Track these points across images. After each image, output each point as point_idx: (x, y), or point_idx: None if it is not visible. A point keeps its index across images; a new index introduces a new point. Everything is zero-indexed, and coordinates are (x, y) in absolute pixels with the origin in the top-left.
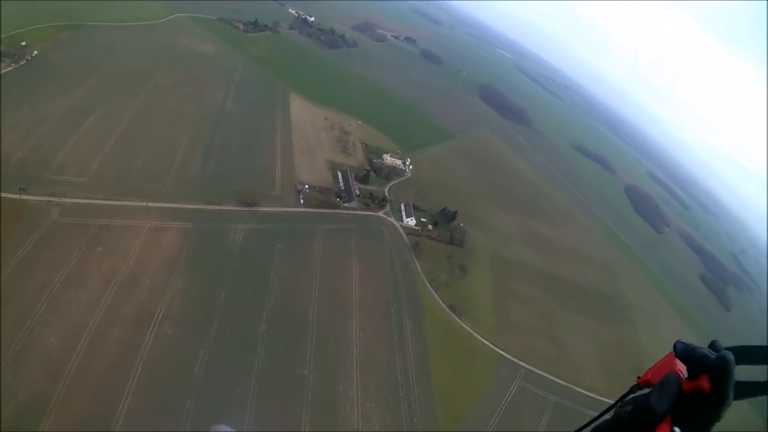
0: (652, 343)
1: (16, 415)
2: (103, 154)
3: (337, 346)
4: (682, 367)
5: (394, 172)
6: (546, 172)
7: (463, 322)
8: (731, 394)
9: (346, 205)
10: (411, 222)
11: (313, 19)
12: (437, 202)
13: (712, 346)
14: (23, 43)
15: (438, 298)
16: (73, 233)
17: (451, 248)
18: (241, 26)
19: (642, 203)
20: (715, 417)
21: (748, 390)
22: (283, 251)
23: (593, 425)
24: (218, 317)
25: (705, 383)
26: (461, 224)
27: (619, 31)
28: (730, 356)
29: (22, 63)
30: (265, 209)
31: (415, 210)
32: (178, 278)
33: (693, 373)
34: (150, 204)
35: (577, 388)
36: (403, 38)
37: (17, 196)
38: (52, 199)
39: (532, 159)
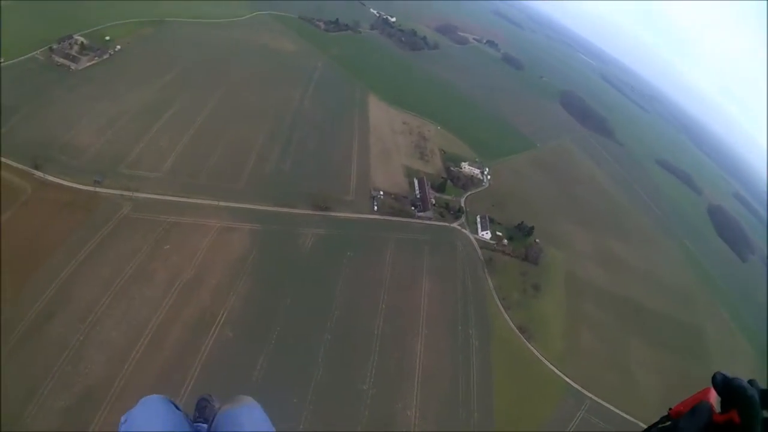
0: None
1: (70, 406)
2: (178, 150)
3: (399, 363)
4: (716, 401)
5: (471, 181)
6: (627, 187)
7: (532, 345)
8: (759, 431)
9: (421, 214)
10: (486, 235)
11: (394, 19)
12: (514, 215)
13: (751, 382)
14: (107, 38)
15: (508, 318)
16: (142, 228)
17: (525, 265)
18: (322, 25)
19: (726, 226)
20: None
21: None
22: (352, 259)
23: None
24: (281, 324)
25: (736, 416)
26: (537, 240)
27: (711, 36)
28: (755, 393)
29: (105, 57)
30: (338, 214)
31: (491, 223)
32: (243, 281)
33: (727, 406)
34: (221, 203)
35: (642, 424)
36: (484, 41)
37: (92, 188)
38: (125, 193)
39: (612, 172)
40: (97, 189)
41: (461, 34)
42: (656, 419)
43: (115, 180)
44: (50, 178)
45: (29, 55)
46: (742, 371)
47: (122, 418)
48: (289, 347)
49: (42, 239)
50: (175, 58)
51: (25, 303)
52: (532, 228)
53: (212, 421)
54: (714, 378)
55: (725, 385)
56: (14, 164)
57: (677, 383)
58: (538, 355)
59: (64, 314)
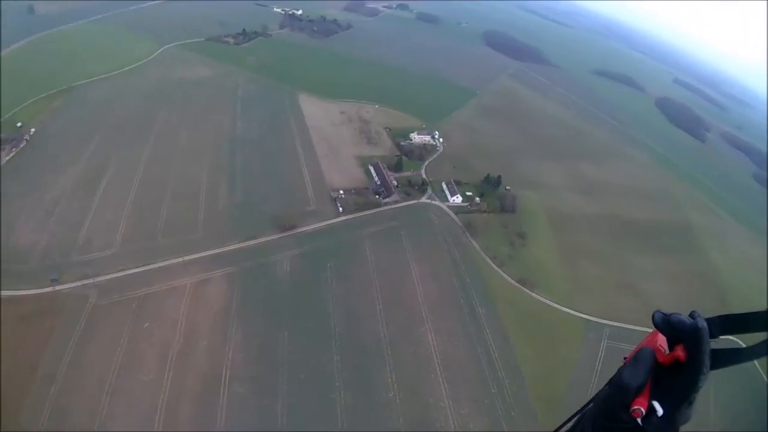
0: (727, 265)
1: None
2: (125, 218)
3: (416, 358)
4: (663, 342)
5: (425, 150)
6: (576, 108)
7: (537, 294)
8: (707, 362)
9: (387, 200)
10: (457, 200)
11: (300, 12)
12: (478, 171)
13: (691, 315)
14: (18, 124)
15: (504, 274)
16: (116, 313)
17: (504, 217)
18: (231, 40)
19: (677, 114)
20: (693, 387)
21: (728, 358)
22: (334, 269)
23: (582, 411)
24: (287, 361)
25: (680, 352)
26: (508, 188)
27: None
28: (703, 323)
29: (22, 146)
30: (305, 229)
31: (458, 185)
32: (234, 330)
33: (672, 344)
34: (186, 258)
35: None
36: (395, 6)
37: (51, 289)
38: (86, 281)
39: (559, 98)
40: (56, 288)
41: (370, 6)
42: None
43: (72, 272)
44: (6, 293)
45: None
46: (737, 248)
47: None
48: (303, 382)
49: (20, 358)
50: (94, 122)
51: (26, 423)
52: (500, 177)
53: None
54: (653, 318)
55: (665, 323)
56: None
57: (685, 283)
58: (547, 302)
59: (69, 426)
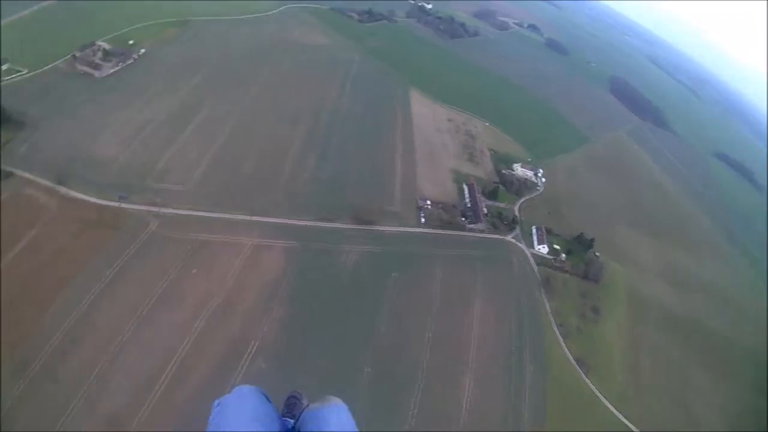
0: None
1: None
2: (207, 160)
3: (445, 400)
4: None
5: (525, 185)
6: (688, 187)
7: (590, 380)
8: None
9: (472, 226)
10: (543, 250)
11: (430, 6)
12: (572, 224)
13: None
14: (131, 42)
15: (565, 347)
16: (170, 248)
17: (585, 284)
18: (356, 16)
19: None
20: None
21: None
22: (398, 280)
23: None
24: (318, 354)
25: None
26: (597, 254)
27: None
28: None
29: (129, 62)
30: (382, 228)
31: (548, 234)
32: (278, 305)
33: None
34: (254, 218)
35: None
36: (526, 26)
37: (117, 204)
38: (152, 209)
39: (672, 169)
40: (123, 205)
41: (501, 18)
42: None
43: (141, 195)
44: (75, 194)
45: (52, 65)
46: None
47: (215, 402)
48: (326, 381)
49: (66, 260)
50: (202, 59)
51: (48, 327)
52: (592, 241)
53: (299, 417)
54: None
55: None
56: (38, 180)
57: (739, 419)
58: (596, 392)
59: (88, 340)
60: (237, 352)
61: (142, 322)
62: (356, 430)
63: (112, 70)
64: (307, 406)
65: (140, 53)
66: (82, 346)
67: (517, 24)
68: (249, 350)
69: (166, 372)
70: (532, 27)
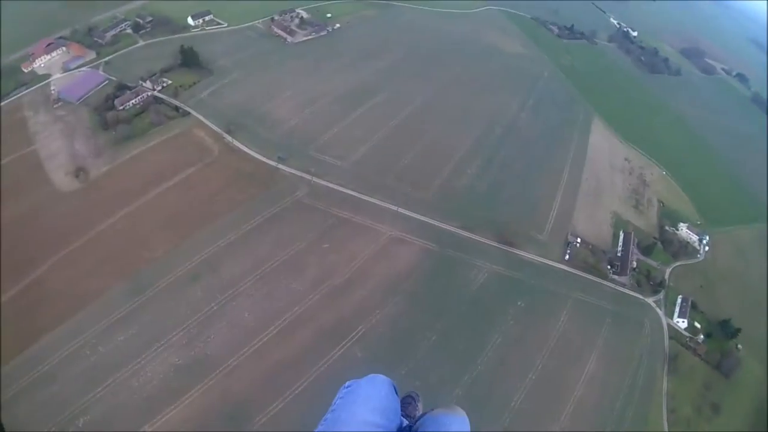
0: None
1: (181, 366)
2: (371, 143)
3: None
4: None
5: (684, 249)
6: None
7: None
8: None
9: (616, 277)
10: (682, 324)
11: (635, 34)
12: (722, 306)
13: None
14: (328, 15)
15: None
16: (312, 217)
17: (714, 375)
18: (556, 29)
19: None
20: None
21: None
22: (521, 310)
23: None
24: (415, 361)
25: None
26: (740, 346)
27: None
28: None
29: (322, 33)
30: (523, 254)
31: (692, 309)
32: (394, 301)
33: None
34: (400, 210)
35: None
36: (734, 74)
37: (275, 164)
38: (305, 175)
39: None
40: (280, 166)
41: (708, 61)
42: None
43: (299, 160)
44: (238, 144)
45: (250, 23)
46: None
47: (347, 383)
48: (414, 389)
49: (211, 204)
50: (393, 44)
51: (177, 260)
52: (739, 330)
53: (419, 419)
54: None
55: None
56: (210, 125)
57: None
58: None
59: (208, 279)
60: (340, 334)
61: (262, 279)
62: None
63: (303, 38)
64: (430, 410)
65: (335, 27)
66: (200, 284)
67: (724, 70)
68: (352, 336)
69: (267, 331)
70: (741, 76)
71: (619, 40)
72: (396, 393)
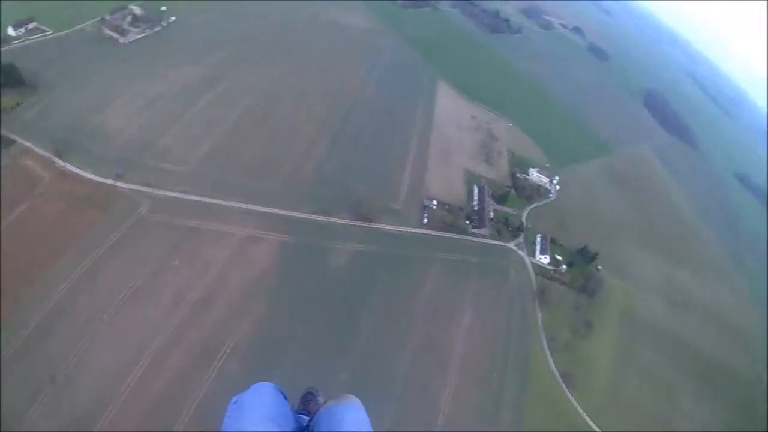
0: None
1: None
2: (213, 139)
3: (419, 413)
4: None
5: (537, 192)
6: (702, 207)
7: (573, 396)
8: None
9: (476, 230)
10: (544, 260)
11: None
12: (578, 236)
13: None
14: (163, 8)
15: (552, 362)
16: (158, 233)
17: (581, 298)
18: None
19: None
20: None
21: None
22: (388, 283)
23: None
24: (294, 359)
25: None
26: (599, 268)
27: None
28: None
29: (156, 29)
30: (381, 227)
31: (552, 244)
32: (259, 303)
33: None
34: (248, 206)
35: None
36: (571, 27)
37: (112, 182)
38: (145, 189)
39: (690, 188)
40: (117, 183)
41: (547, 18)
42: None
43: (138, 173)
44: (71, 168)
45: (79, 26)
46: None
47: (233, 399)
48: (299, 388)
49: (52, 240)
50: (232, 31)
51: (27, 309)
52: (596, 255)
53: (315, 414)
54: None
55: None
56: (37, 150)
57: None
58: (578, 407)
59: (63, 326)
60: (211, 352)
61: (117, 313)
62: (372, 430)
63: (137, 37)
64: (324, 403)
65: (170, 20)
66: (57, 332)
67: (562, 25)
68: (224, 350)
69: (135, 372)
70: (577, 29)
71: (462, 5)
72: (284, 396)
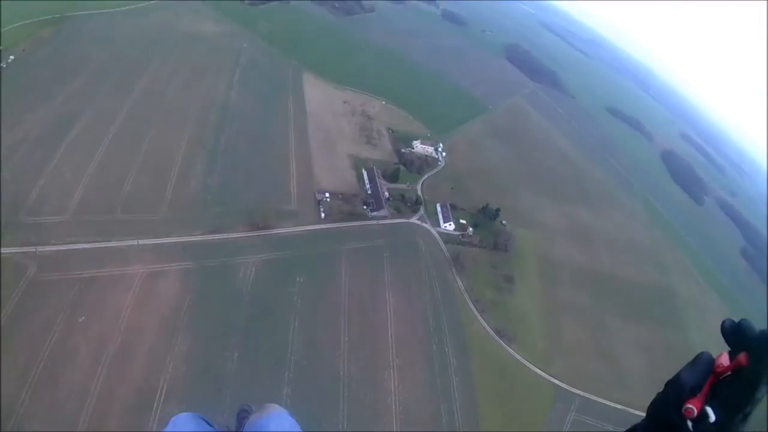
0: (702, 344)
1: None
2: (85, 181)
3: (373, 406)
4: (725, 360)
5: (426, 163)
6: (585, 144)
7: (514, 349)
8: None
9: (375, 213)
10: (449, 227)
11: None
12: (476, 197)
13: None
14: None
15: (484, 322)
16: (54, 293)
17: (495, 255)
18: None
19: (680, 171)
20: (750, 397)
21: None
22: (303, 285)
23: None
24: (232, 385)
25: (743, 359)
26: (504, 222)
27: None
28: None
29: None
30: (280, 231)
31: (453, 210)
32: (181, 339)
33: (736, 352)
34: (142, 241)
35: (634, 411)
36: None
37: None
38: (28, 249)
39: (569, 129)
40: None
41: None
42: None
43: (15, 233)
44: None
45: None
46: (714, 326)
47: None
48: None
49: None
50: (80, 60)
51: None
52: (498, 210)
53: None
54: (723, 325)
55: (733, 329)
56: None
57: (660, 358)
58: (521, 359)
59: None
60: (146, 402)
61: (35, 388)
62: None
63: None
64: (245, 421)
65: (9, 60)
66: None
67: None
68: (158, 396)
69: None
70: None
71: None
72: (206, 422)
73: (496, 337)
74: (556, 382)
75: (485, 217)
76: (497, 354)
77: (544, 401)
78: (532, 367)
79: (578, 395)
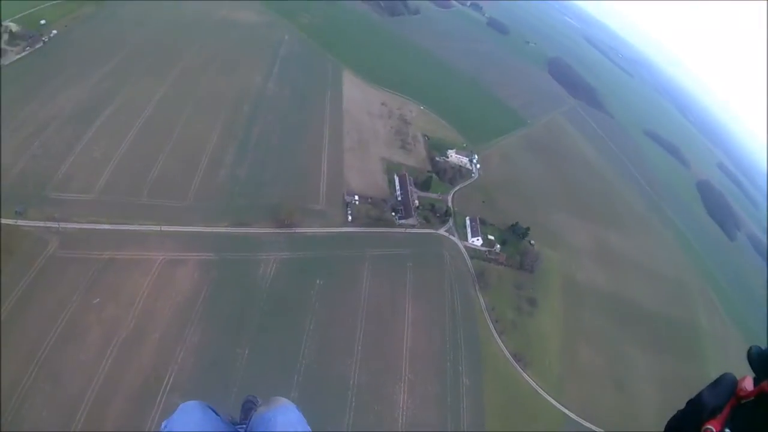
0: None
1: None
2: (114, 161)
3: (379, 417)
4: (749, 384)
5: (459, 173)
6: (620, 167)
7: (528, 375)
8: None
9: (403, 221)
10: (477, 242)
11: None
12: (507, 213)
13: None
14: (42, 22)
15: (501, 344)
16: (72, 271)
17: (520, 275)
18: None
19: (714, 203)
20: None
21: None
22: (323, 289)
23: None
24: (240, 383)
25: (766, 386)
26: (532, 243)
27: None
28: None
29: (38, 46)
30: (305, 230)
31: (482, 224)
32: (193, 330)
33: (761, 378)
34: (165, 228)
35: None
36: (468, 4)
37: (12, 221)
38: (51, 224)
39: (606, 150)
40: (19, 222)
41: None
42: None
43: (40, 208)
44: None
45: None
46: (735, 365)
47: (162, 424)
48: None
49: None
50: (119, 41)
51: None
52: (527, 230)
53: (248, 424)
54: (749, 351)
55: (760, 355)
56: None
57: (676, 394)
58: (534, 386)
59: None
60: (151, 390)
61: (43, 366)
62: (307, 428)
63: (17, 56)
64: (255, 411)
65: (51, 35)
66: None
67: (460, 2)
68: (164, 386)
69: (74, 422)
70: (475, 5)
71: None
72: (214, 412)
73: (512, 360)
74: (566, 411)
75: (514, 235)
76: (511, 377)
77: (552, 429)
78: (544, 394)
79: (587, 430)
